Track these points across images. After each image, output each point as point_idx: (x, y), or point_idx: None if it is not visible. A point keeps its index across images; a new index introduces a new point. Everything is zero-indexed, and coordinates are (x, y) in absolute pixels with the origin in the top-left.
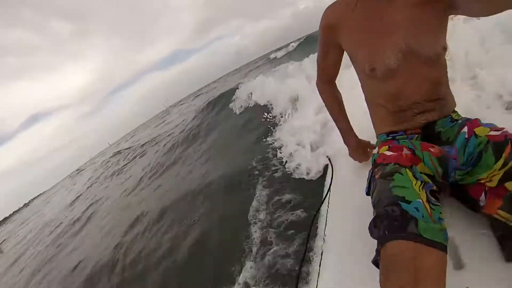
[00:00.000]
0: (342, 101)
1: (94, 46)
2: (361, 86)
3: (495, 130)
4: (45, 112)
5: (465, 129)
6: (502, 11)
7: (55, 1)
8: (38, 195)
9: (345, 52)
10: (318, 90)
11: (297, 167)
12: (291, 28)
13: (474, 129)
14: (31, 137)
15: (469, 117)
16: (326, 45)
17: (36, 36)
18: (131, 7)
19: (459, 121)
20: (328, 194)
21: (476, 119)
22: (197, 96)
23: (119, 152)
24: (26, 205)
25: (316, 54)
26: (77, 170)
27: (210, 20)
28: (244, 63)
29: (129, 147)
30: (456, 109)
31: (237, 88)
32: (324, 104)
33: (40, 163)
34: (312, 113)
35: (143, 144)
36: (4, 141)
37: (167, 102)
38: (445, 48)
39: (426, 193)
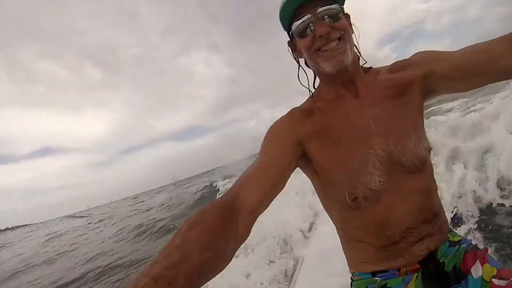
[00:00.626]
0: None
1: (119, 99)
2: (330, 215)
3: (499, 278)
4: (57, 147)
5: (478, 269)
6: (482, 86)
7: (93, 47)
8: (24, 225)
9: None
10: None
11: None
12: None
13: (483, 266)
14: (37, 167)
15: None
16: (275, 150)
17: (69, 74)
18: (159, 70)
19: (462, 245)
20: None
21: (485, 249)
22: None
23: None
24: (9, 229)
25: None
26: (71, 215)
27: (230, 98)
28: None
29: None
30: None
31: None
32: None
33: (38, 194)
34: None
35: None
36: (11, 161)
37: (175, 176)
38: (429, 149)
39: None
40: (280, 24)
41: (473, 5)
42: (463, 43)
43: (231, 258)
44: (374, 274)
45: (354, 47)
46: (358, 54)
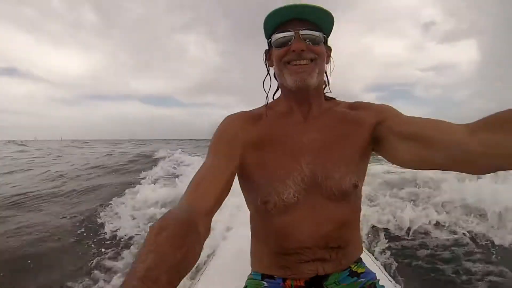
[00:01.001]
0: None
1: (104, 48)
2: (250, 215)
3: None
4: (26, 72)
5: None
6: (438, 168)
7: None
8: None
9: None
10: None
11: None
12: None
13: None
14: None
15: (372, 270)
16: (221, 150)
17: (63, 6)
18: (154, 37)
19: (361, 279)
20: None
21: None
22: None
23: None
24: None
25: None
26: (18, 141)
27: (211, 84)
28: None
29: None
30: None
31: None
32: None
33: None
34: None
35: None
36: None
37: (132, 135)
38: (356, 186)
39: None
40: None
41: (463, 91)
42: (438, 116)
43: (200, 254)
44: (263, 277)
45: (324, 74)
46: (327, 82)
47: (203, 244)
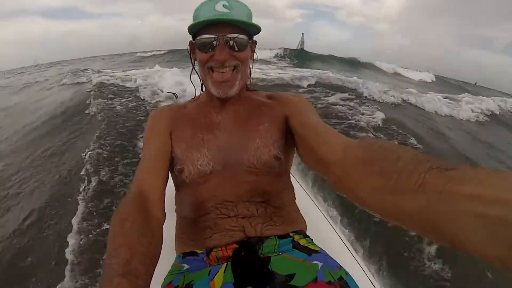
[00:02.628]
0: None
1: None
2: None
3: None
4: None
5: None
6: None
7: None
8: None
9: None
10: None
11: None
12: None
13: None
14: None
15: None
16: (156, 139)
17: None
18: None
19: (315, 262)
20: None
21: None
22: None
23: None
24: None
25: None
26: None
27: None
28: (133, 51)
29: None
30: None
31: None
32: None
33: None
34: None
35: None
36: None
37: (37, 60)
38: (277, 158)
39: None
40: None
41: (384, 24)
42: (359, 42)
43: (162, 235)
44: (184, 256)
45: (248, 71)
46: (249, 73)
47: (162, 226)
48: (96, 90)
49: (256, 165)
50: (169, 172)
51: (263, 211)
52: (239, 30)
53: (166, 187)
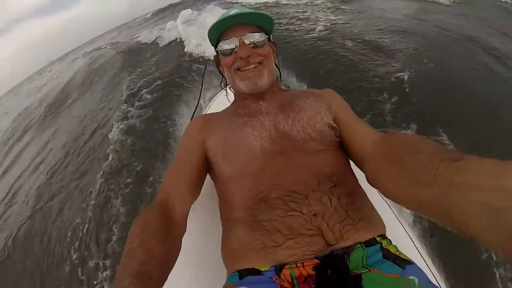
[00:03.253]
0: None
1: None
2: (219, 206)
3: None
4: None
5: None
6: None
7: None
8: None
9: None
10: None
11: None
12: None
13: None
14: None
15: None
16: (186, 149)
17: None
18: None
19: (412, 277)
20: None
21: None
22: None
23: None
24: None
25: None
26: None
27: None
28: (137, 16)
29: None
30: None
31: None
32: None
33: None
34: None
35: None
36: None
37: (49, 57)
38: (332, 127)
39: None
40: None
41: None
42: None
43: (181, 246)
44: (242, 275)
45: (277, 69)
46: (279, 75)
47: (183, 236)
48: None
49: (311, 134)
50: (199, 182)
51: (337, 202)
52: (255, 29)
53: (194, 198)
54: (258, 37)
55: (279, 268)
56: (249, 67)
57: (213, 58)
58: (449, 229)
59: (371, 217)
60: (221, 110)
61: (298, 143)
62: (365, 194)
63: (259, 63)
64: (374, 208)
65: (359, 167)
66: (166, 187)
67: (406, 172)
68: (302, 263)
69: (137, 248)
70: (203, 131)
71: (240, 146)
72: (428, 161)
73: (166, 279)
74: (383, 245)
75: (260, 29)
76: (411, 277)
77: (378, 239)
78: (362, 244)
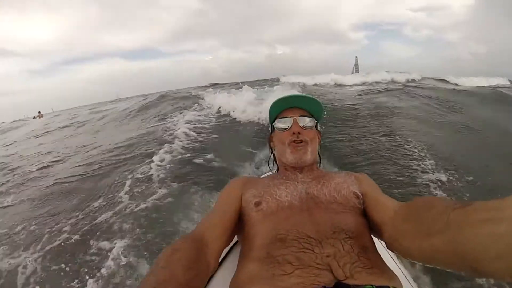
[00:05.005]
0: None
1: (71, 5)
2: (240, 243)
3: None
4: None
5: None
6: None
7: None
8: None
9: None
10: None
11: None
12: (262, 67)
13: None
14: None
15: None
16: (224, 200)
17: None
18: None
19: None
20: None
21: None
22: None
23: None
24: None
25: None
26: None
27: (189, 29)
28: (205, 84)
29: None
30: None
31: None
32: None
33: None
34: None
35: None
36: None
37: (119, 94)
38: (356, 195)
39: None
40: None
41: (454, 33)
42: (428, 56)
43: (206, 281)
44: None
45: (317, 154)
46: (319, 160)
47: (211, 272)
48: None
49: (336, 197)
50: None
51: (349, 248)
52: (307, 114)
53: (225, 244)
54: (308, 121)
55: None
56: (299, 142)
57: (267, 137)
58: (465, 274)
59: (385, 269)
60: None
61: (322, 204)
62: (380, 255)
63: (306, 142)
64: (388, 266)
65: (378, 235)
66: (204, 222)
67: (421, 226)
68: None
69: (161, 269)
70: (243, 187)
71: (272, 197)
72: (441, 213)
73: None
74: None
75: (311, 115)
76: None
77: (392, 287)
78: (374, 286)
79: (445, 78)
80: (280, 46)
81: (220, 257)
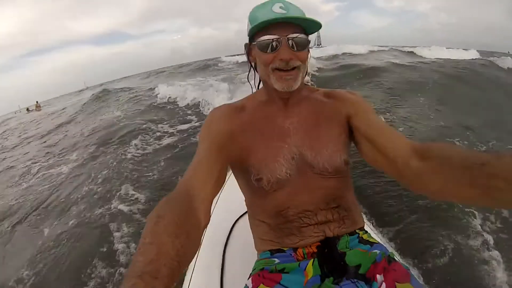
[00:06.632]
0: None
1: None
2: (245, 198)
3: None
4: None
5: (381, 278)
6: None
7: None
8: None
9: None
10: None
11: None
12: (232, 43)
13: (396, 284)
14: None
15: (384, 246)
16: (212, 139)
17: None
18: None
19: (375, 250)
20: None
21: (406, 272)
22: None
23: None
24: None
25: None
26: None
27: (158, 9)
28: (176, 64)
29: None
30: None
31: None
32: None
33: None
34: None
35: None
36: None
37: (87, 82)
38: (346, 162)
39: None
40: None
41: (425, 4)
42: (400, 28)
43: (200, 242)
44: (272, 253)
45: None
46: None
47: (203, 230)
48: None
49: (328, 170)
50: (221, 173)
51: (337, 216)
52: (299, 30)
53: (217, 189)
54: (302, 39)
55: (295, 249)
56: (287, 69)
57: (244, 45)
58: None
59: (356, 217)
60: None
61: (316, 171)
62: (356, 201)
63: (295, 67)
64: (359, 209)
65: (390, 174)
66: (187, 176)
67: (444, 175)
68: (310, 246)
69: (148, 245)
70: (232, 126)
71: (272, 175)
72: (463, 165)
73: (177, 276)
74: (359, 234)
75: (303, 30)
76: (374, 251)
77: (357, 231)
78: (347, 235)
79: (412, 50)
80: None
81: (211, 207)
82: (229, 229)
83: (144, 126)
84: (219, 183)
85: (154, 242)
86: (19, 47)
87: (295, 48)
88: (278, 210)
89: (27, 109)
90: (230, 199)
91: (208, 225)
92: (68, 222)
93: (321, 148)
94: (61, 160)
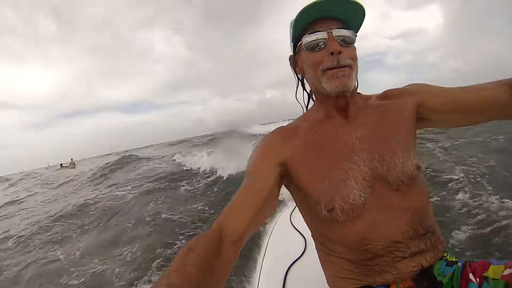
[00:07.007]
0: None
1: (69, 58)
2: (312, 233)
3: (510, 267)
4: None
5: (471, 276)
6: (481, 123)
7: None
8: None
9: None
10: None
11: None
12: (254, 113)
13: (483, 274)
14: None
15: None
16: (252, 185)
17: (18, 17)
18: (117, 36)
19: (458, 264)
20: None
21: (484, 261)
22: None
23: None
24: None
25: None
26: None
27: (183, 80)
28: (200, 135)
29: None
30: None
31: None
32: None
33: None
34: None
35: None
36: None
37: (113, 148)
38: (418, 167)
39: None
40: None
41: (433, 53)
42: (414, 80)
43: (226, 280)
44: None
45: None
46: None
47: (230, 269)
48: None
49: (404, 182)
50: (259, 211)
51: (430, 243)
52: (344, 25)
53: (254, 228)
54: (348, 33)
55: (387, 285)
56: (339, 66)
57: (289, 59)
58: None
59: (441, 237)
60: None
61: (392, 187)
62: (434, 218)
63: (349, 67)
64: (437, 228)
65: (500, 117)
66: (221, 216)
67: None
68: (405, 280)
69: (173, 272)
70: (283, 150)
71: (345, 202)
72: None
73: None
74: (446, 257)
75: (348, 26)
76: (459, 263)
77: (445, 254)
78: (438, 260)
79: None
80: (269, 90)
81: (242, 246)
82: (283, 278)
83: None
84: (258, 219)
85: (179, 270)
86: (55, 108)
87: (343, 42)
88: (362, 244)
89: (61, 165)
90: (280, 244)
91: (261, 274)
92: None
93: (392, 158)
94: None
